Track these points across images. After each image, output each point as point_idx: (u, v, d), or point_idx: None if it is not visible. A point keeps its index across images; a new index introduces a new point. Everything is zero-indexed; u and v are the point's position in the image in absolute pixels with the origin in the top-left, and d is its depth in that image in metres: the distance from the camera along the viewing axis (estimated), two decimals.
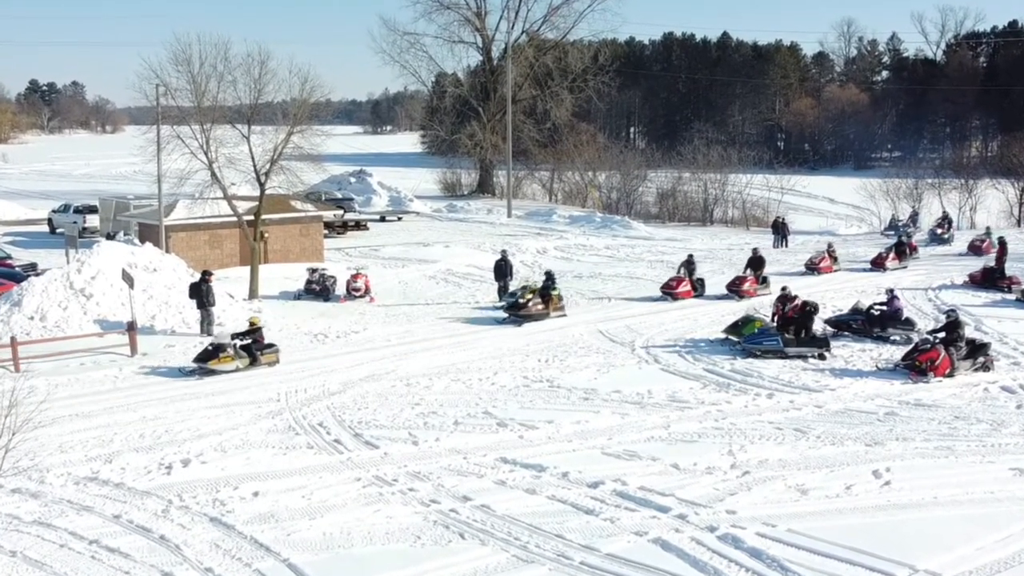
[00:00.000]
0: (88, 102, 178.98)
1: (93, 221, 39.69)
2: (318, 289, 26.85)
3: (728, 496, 12.17)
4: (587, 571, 10.25)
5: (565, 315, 23.83)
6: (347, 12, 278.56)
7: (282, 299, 26.77)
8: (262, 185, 26.75)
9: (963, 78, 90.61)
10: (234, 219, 27.68)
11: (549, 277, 24.64)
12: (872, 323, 21.33)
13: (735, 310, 23.82)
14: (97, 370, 19.07)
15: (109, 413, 16.14)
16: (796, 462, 13.41)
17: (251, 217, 27.18)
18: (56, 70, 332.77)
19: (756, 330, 20.22)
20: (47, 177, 74.19)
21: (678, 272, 26.98)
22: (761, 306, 24.05)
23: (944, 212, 41.66)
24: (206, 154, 26.35)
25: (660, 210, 53.07)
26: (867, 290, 26.47)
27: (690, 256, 27.92)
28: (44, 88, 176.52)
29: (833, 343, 20.19)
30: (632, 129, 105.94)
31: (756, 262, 27.63)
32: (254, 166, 26.68)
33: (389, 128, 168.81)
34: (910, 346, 19.03)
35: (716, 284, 27.23)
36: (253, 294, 26.16)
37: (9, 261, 30.58)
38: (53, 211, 42.99)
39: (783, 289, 22.33)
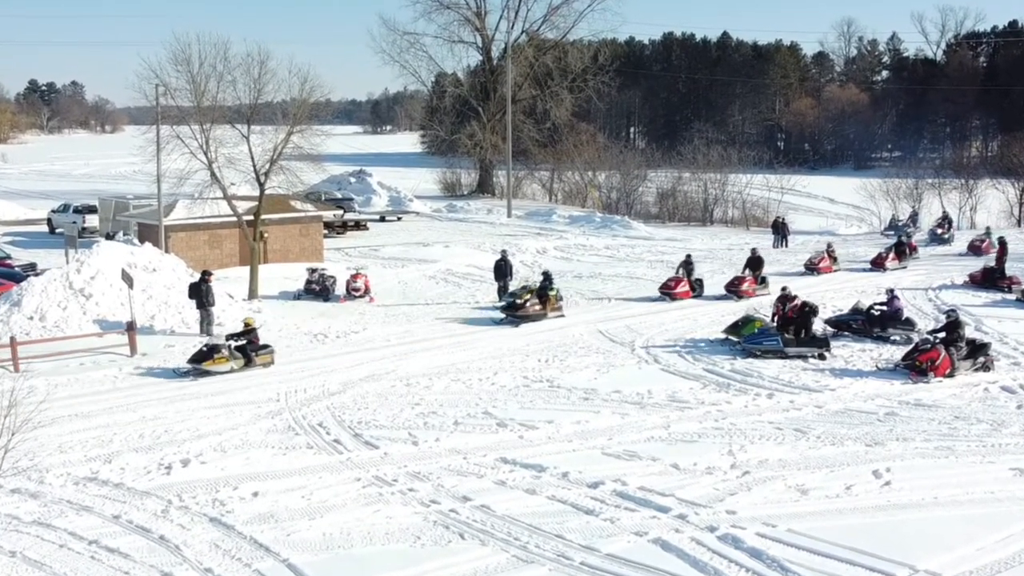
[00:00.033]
0: (87, 102, 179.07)
1: (92, 221, 39.68)
2: (318, 289, 26.84)
3: (728, 496, 12.16)
4: (587, 571, 10.24)
5: (563, 315, 23.81)
6: (347, 12, 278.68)
7: (282, 299, 26.77)
8: (262, 185, 26.73)
9: (963, 78, 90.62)
10: (234, 219, 27.66)
11: (547, 277, 24.63)
12: (872, 323, 21.33)
13: (735, 310, 23.81)
14: (97, 370, 19.06)
15: (109, 413, 16.13)
16: (796, 462, 13.40)
17: (251, 217, 27.17)
18: (55, 70, 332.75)
19: (756, 330, 20.21)
20: (46, 177, 74.18)
21: (676, 272, 26.96)
22: (761, 306, 24.03)
23: (944, 212, 41.65)
24: (206, 154, 26.33)
25: (660, 210, 53.06)
26: (867, 290, 26.46)
27: (688, 256, 27.88)
28: (43, 88, 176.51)
29: (833, 343, 20.19)
30: (632, 129, 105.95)
31: (755, 262, 27.60)
32: (254, 166, 26.66)
33: (389, 128, 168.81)
34: (910, 346, 19.02)
35: (716, 284, 27.22)
36: (253, 294, 26.15)
37: (8, 261, 30.58)
38: (52, 211, 42.98)
39: (783, 289, 22.32)
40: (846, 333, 21.41)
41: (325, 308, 25.64)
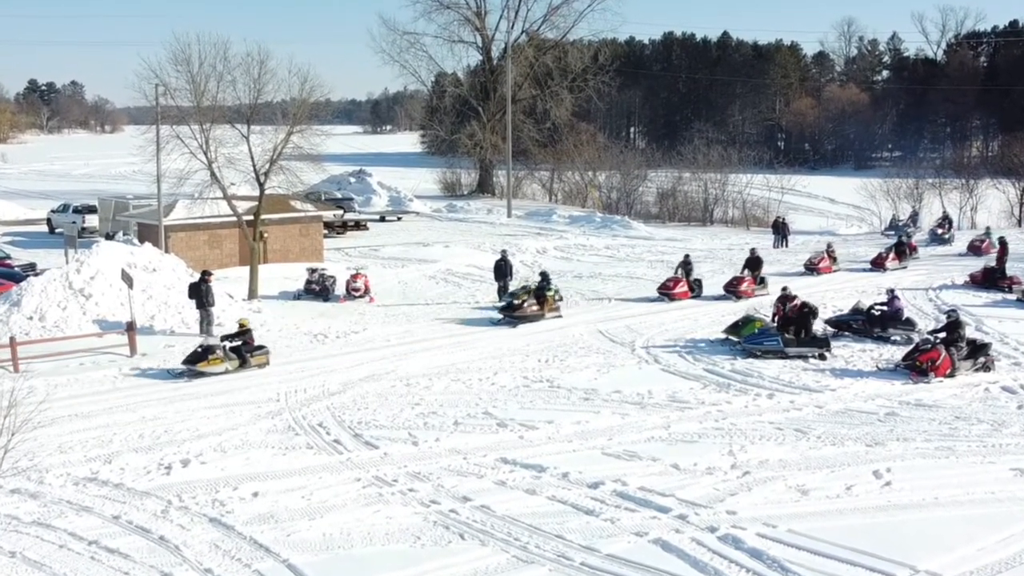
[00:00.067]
0: (87, 102, 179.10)
1: (92, 221, 39.67)
2: (318, 289, 26.83)
3: (728, 496, 12.15)
4: (587, 572, 10.23)
5: (560, 316, 23.78)
6: (346, 11, 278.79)
7: (282, 299, 26.76)
8: (261, 185, 26.72)
9: (964, 78, 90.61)
10: (233, 219, 27.65)
11: (544, 278, 24.60)
12: (873, 323, 21.31)
13: (735, 310, 23.80)
14: (96, 370, 19.05)
15: (108, 413, 16.12)
16: (797, 462, 13.39)
17: (251, 217, 27.16)
18: (55, 70, 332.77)
19: (756, 330, 20.19)
20: (46, 177, 74.19)
21: (675, 273, 26.91)
22: (761, 306, 24.02)
23: (944, 212, 41.64)
24: (205, 154, 26.32)
25: (660, 210, 53.06)
26: (867, 290, 26.45)
27: (687, 256, 27.77)
28: (43, 88, 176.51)
29: (833, 343, 20.17)
30: (632, 129, 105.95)
31: (754, 263, 27.51)
32: (253, 166, 26.65)
33: (389, 128, 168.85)
34: (911, 346, 19.01)
35: (716, 284, 27.18)
36: (253, 294, 26.13)
37: (8, 261, 30.57)
38: (52, 211, 42.98)
39: (784, 289, 22.30)
40: (846, 333, 21.39)
41: (325, 308, 25.63)
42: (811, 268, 29.97)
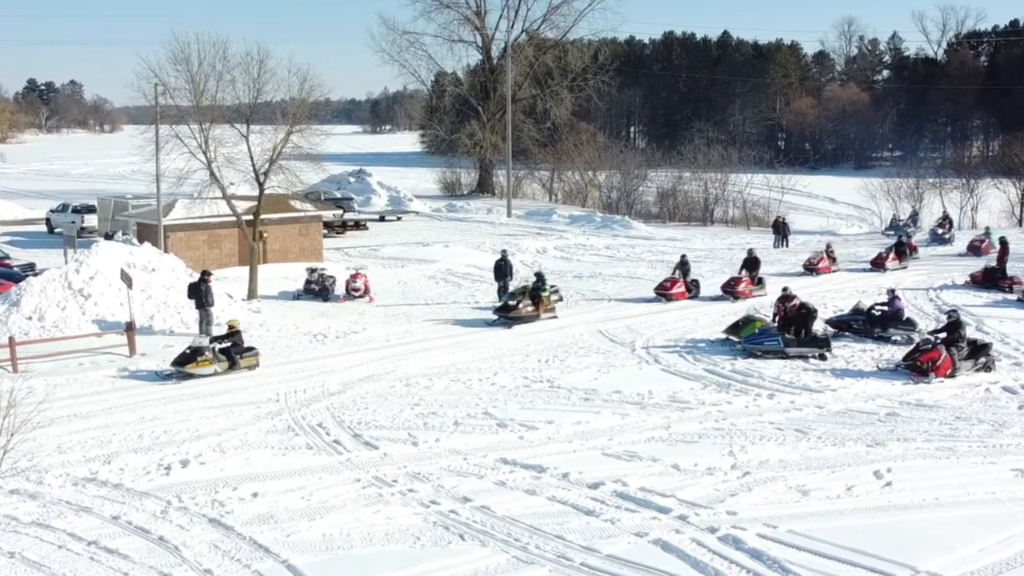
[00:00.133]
0: (86, 101, 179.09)
1: (91, 221, 39.63)
2: (317, 289, 26.81)
3: (729, 497, 12.13)
4: (587, 572, 10.21)
5: (555, 316, 23.71)
6: (346, 11, 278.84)
7: (281, 299, 26.73)
8: (261, 185, 26.69)
9: (964, 77, 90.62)
10: (233, 219, 27.62)
11: (539, 278, 24.52)
12: (873, 323, 21.29)
13: (735, 310, 23.78)
14: (96, 370, 19.02)
15: (108, 414, 16.10)
16: (797, 463, 13.37)
17: (250, 217, 27.13)
18: (54, 69, 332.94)
19: (756, 330, 20.17)
20: (45, 177, 74.18)
21: (673, 273, 26.83)
22: (761, 306, 24.00)
23: (944, 212, 41.62)
24: (205, 154, 26.29)
25: (660, 210, 53.05)
26: (868, 290, 26.43)
27: (684, 257, 27.59)
28: (42, 87, 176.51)
29: (834, 343, 20.15)
30: (632, 128, 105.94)
31: (751, 263, 27.36)
32: (253, 166, 26.61)
33: (388, 127, 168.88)
34: (911, 346, 18.98)
35: (716, 284, 27.13)
36: (252, 294, 26.11)
37: (7, 261, 30.53)
38: (51, 211, 42.94)
39: (784, 289, 22.26)
40: (847, 333, 21.37)
41: (325, 308, 25.61)
42: (810, 268, 29.94)
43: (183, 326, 22.36)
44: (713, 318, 23.45)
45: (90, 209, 40.85)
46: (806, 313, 20.21)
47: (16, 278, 25.13)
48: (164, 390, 17.63)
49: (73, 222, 35.83)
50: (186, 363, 18.30)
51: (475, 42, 62.93)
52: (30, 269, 28.33)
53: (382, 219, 47.43)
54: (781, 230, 38.47)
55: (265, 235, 30.31)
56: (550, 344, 21.01)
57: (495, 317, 23.15)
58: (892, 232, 39.42)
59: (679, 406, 16.31)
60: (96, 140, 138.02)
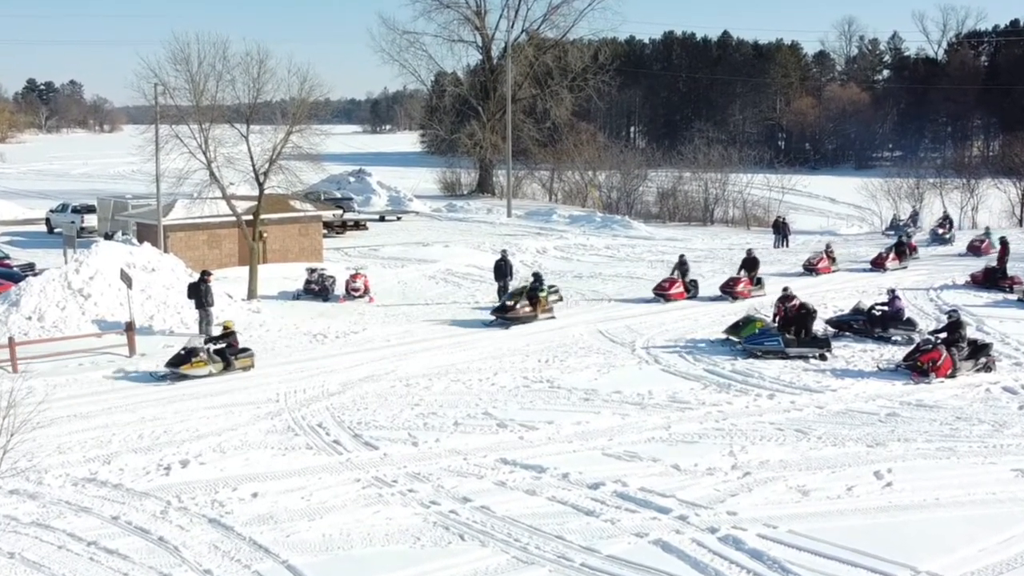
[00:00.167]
0: (86, 101, 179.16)
1: (91, 221, 39.63)
2: (317, 289, 26.80)
3: (729, 497, 12.12)
4: (588, 572, 10.20)
5: (553, 317, 23.67)
6: (346, 10, 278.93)
7: (281, 299, 26.72)
8: (261, 185, 26.68)
9: (964, 77, 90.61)
10: (233, 219, 27.60)
11: (537, 279, 24.46)
12: (873, 323, 21.28)
13: (735, 311, 23.77)
14: (95, 370, 19.00)
15: (107, 414, 16.09)
16: (797, 463, 13.36)
17: (250, 217, 27.11)
18: (54, 69, 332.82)
19: (757, 330, 20.15)
20: (45, 176, 74.18)
21: (671, 274, 26.79)
22: (761, 306, 23.99)
23: (945, 212, 41.60)
24: (205, 154, 26.27)
25: (660, 210, 53.05)
26: (868, 290, 26.42)
27: (682, 257, 27.51)
28: (42, 87, 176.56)
29: (834, 343, 20.14)
30: (632, 128, 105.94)
31: (750, 263, 27.27)
32: (253, 166, 26.60)
33: (388, 127, 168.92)
34: (912, 346, 18.97)
35: (716, 285, 27.09)
36: (252, 294, 26.10)
37: (7, 261, 30.52)
38: (51, 211, 42.93)
39: (784, 290, 22.25)
40: (847, 333, 21.36)
41: (324, 308, 25.60)
42: (810, 268, 29.92)
43: (183, 326, 22.35)
44: (713, 318, 23.44)
45: (90, 209, 40.84)
46: (806, 313, 20.20)
47: (16, 278, 25.12)
48: (163, 390, 17.62)
49: (73, 222, 35.81)
50: (180, 364, 18.21)
51: (475, 42, 62.98)
52: (30, 269, 28.32)
53: (382, 219, 47.42)
54: (781, 230, 38.46)
55: (265, 235, 30.29)
56: (550, 344, 21.00)
57: (493, 318, 23.11)
58: (892, 232, 39.41)
59: (679, 406, 16.30)
60: (96, 140, 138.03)
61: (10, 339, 19.29)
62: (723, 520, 11.37)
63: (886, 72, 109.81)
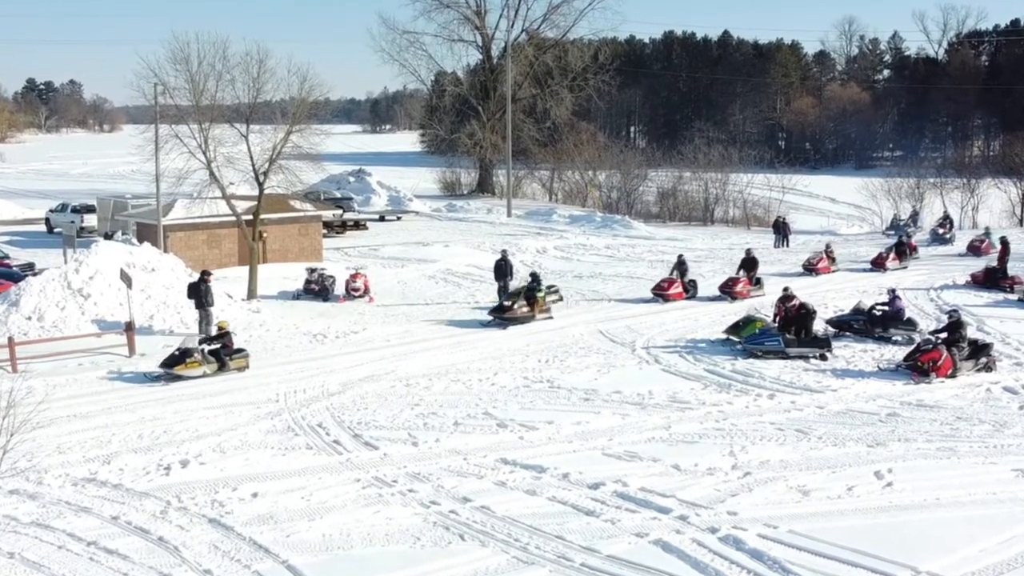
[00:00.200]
0: (86, 101, 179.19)
1: (91, 221, 39.62)
2: (317, 289, 26.78)
3: (729, 497, 12.11)
4: (588, 573, 10.19)
5: (551, 317, 23.64)
6: (346, 10, 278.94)
7: (281, 299, 26.71)
8: (261, 184, 26.66)
9: (965, 77, 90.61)
10: (233, 219, 27.59)
11: (534, 279, 24.43)
12: (874, 323, 21.26)
13: (735, 310, 23.76)
14: (95, 370, 18.99)
15: (107, 414, 16.08)
16: (798, 463, 13.35)
17: (250, 217, 27.10)
18: (53, 68, 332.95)
19: (757, 330, 20.15)
20: (44, 176, 74.19)
21: (670, 274, 26.75)
22: (762, 306, 23.98)
23: (945, 212, 41.59)
24: (204, 153, 26.26)
25: (661, 210, 53.04)
26: (868, 290, 26.41)
27: (681, 257, 27.44)
28: (41, 87, 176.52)
29: (835, 343, 20.13)
30: (632, 128, 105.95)
31: (749, 263, 27.21)
32: (253, 165, 26.58)
33: (388, 127, 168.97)
34: (912, 346, 18.96)
35: (716, 285, 27.07)
36: (252, 294, 26.09)
37: (7, 261, 30.51)
38: (51, 210, 42.93)
39: (785, 290, 22.24)
40: (848, 333, 21.34)
41: (324, 308, 25.59)
42: (809, 269, 29.91)
43: (183, 326, 22.34)
44: (713, 318, 23.43)
45: (89, 209, 40.83)
46: (805, 314, 20.18)
47: (15, 278, 25.11)
48: (163, 390, 17.61)
49: (72, 222, 35.81)
50: (175, 365, 18.13)
51: (475, 42, 62.96)
52: (29, 269, 28.31)
53: (382, 219, 47.40)
54: (781, 230, 38.44)
55: (265, 235, 30.29)
56: (550, 344, 20.99)
57: (490, 318, 23.08)
58: (892, 232, 39.40)
59: (679, 406, 16.28)
60: (95, 140, 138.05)
61: (10, 339, 19.28)
62: (723, 520, 11.36)
63: (886, 72, 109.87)
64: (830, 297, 25.70)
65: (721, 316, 23.36)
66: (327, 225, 38.76)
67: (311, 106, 28.74)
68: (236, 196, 27.70)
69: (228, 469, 13.34)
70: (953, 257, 33.79)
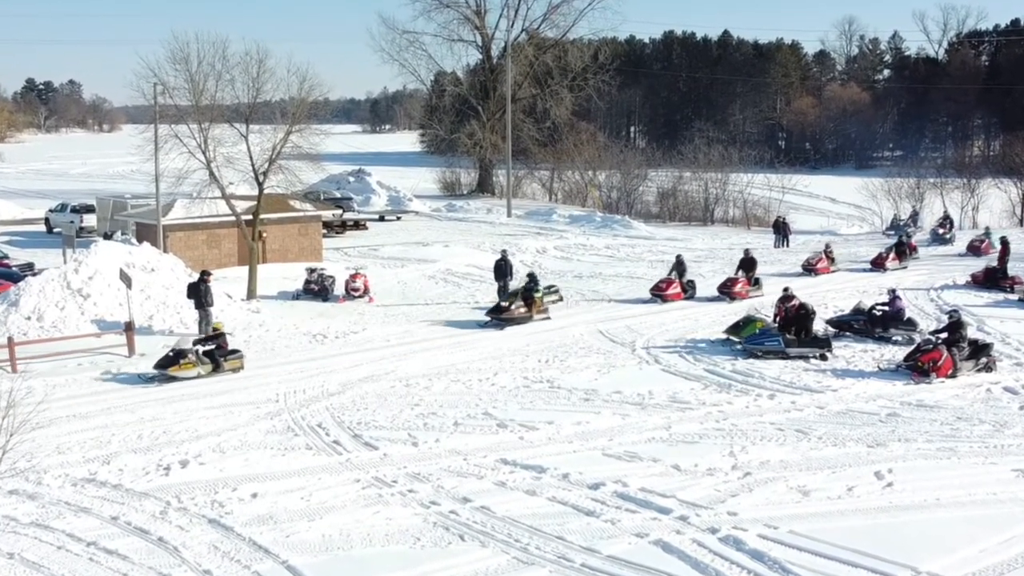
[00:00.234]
0: (85, 101, 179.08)
1: (90, 220, 39.60)
2: (317, 289, 26.77)
3: (729, 497, 12.10)
4: (588, 573, 10.19)
5: (548, 318, 23.60)
6: (346, 10, 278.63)
7: (281, 299, 26.70)
8: (260, 184, 26.65)
9: (965, 77, 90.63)
10: (232, 219, 27.57)
11: (532, 279, 24.39)
12: (874, 323, 21.25)
13: (735, 311, 23.75)
14: (95, 370, 18.98)
15: (107, 414, 16.06)
16: (798, 463, 13.34)
17: (249, 217, 27.09)
18: (53, 68, 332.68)
19: (757, 331, 20.13)
20: (44, 176, 74.16)
21: (669, 274, 26.72)
22: (762, 306, 23.97)
23: (945, 212, 41.59)
24: (204, 153, 26.25)
25: (661, 210, 53.03)
26: (868, 290, 26.40)
27: (679, 257, 27.36)
28: (41, 87, 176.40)
29: (835, 343, 20.12)
30: (632, 128, 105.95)
31: (748, 263, 27.16)
32: (252, 165, 26.57)
33: (388, 127, 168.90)
34: (912, 347, 18.96)
35: (714, 285, 27.04)
36: (251, 294, 26.08)
37: (6, 261, 30.50)
38: (50, 210, 42.91)
39: (785, 290, 22.24)
40: (848, 333, 21.33)
41: (324, 308, 25.58)
42: (809, 269, 29.89)
43: (182, 326, 22.32)
44: (713, 318, 23.42)
45: (89, 209, 40.80)
46: (804, 314, 20.16)
47: (15, 278, 25.09)
48: (163, 390, 17.59)
49: (72, 222, 35.82)
50: (169, 366, 18.07)
51: (475, 41, 62.94)
52: (29, 269, 28.30)
53: (382, 219, 47.39)
54: (782, 230, 38.44)
55: (264, 235, 30.27)
56: (550, 344, 20.98)
57: (487, 319, 23.04)
58: (892, 232, 39.39)
59: (679, 406, 16.27)
60: (95, 140, 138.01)
61: (9, 339, 19.27)
62: (724, 520, 11.35)
63: (887, 72, 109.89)
64: (830, 297, 25.70)
65: (721, 316, 23.35)
66: (327, 225, 38.75)
67: (311, 106, 28.73)
68: (236, 196, 27.69)
69: (228, 469, 13.32)
70: (953, 257, 33.78)
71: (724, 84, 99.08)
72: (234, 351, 19.06)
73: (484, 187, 61.58)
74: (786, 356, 19.39)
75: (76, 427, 15.27)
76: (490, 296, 26.21)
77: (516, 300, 23.17)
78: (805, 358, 19.37)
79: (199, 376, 18.16)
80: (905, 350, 19.14)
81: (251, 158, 26.56)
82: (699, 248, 37.09)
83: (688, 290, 26.18)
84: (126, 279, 21.21)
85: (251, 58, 27.83)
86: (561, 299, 25.58)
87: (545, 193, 61.20)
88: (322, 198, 42.47)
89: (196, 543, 10.94)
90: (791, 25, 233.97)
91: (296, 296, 26.96)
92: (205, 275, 22.32)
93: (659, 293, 25.68)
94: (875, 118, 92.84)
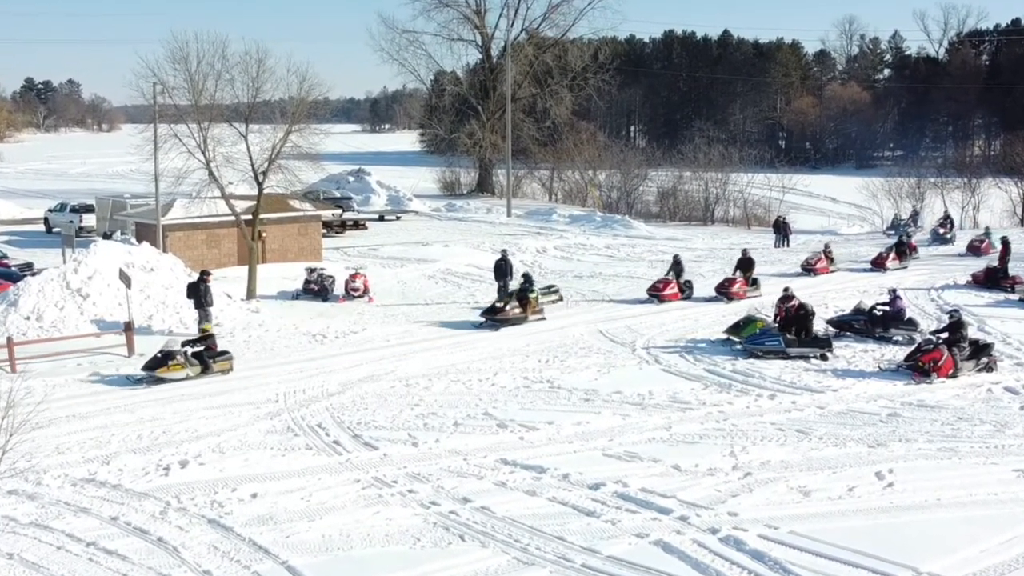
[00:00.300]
0: (84, 100, 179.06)
1: (90, 220, 39.58)
2: (316, 289, 26.76)
3: (730, 498, 12.08)
4: (588, 573, 10.17)
5: (543, 318, 23.56)
6: (345, 9, 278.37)
7: (280, 299, 26.69)
8: (260, 184, 26.63)
9: (966, 76, 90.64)
10: (232, 218, 27.55)
11: (527, 280, 24.35)
12: (875, 323, 21.24)
13: (735, 311, 23.74)
14: (94, 371, 18.95)
15: (106, 414, 16.04)
16: (798, 463, 13.32)
17: (249, 216, 27.07)
18: (52, 68, 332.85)
19: (757, 331, 20.12)
20: (43, 176, 74.14)
21: (666, 274, 26.68)
22: (762, 307, 23.95)
23: (945, 212, 41.58)
24: (203, 153, 26.23)
25: (661, 209, 53.04)
26: (869, 290, 26.39)
27: (677, 257, 27.30)
28: (40, 86, 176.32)
29: (835, 343, 20.11)
30: (632, 128, 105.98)
31: (746, 263, 27.13)
32: (252, 165, 26.55)
33: (388, 127, 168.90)
34: (913, 347, 18.94)
35: (713, 285, 27.02)
36: (251, 294, 26.06)
37: (5, 260, 30.48)
38: (49, 210, 42.88)
39: (785, 290, 22.22)
40: (848, 333, 21.32)
41: (324, 308, 25.56)
42: (808, 269, 29.88)
43: (182, 326, 22.30)
44: (713, 318, 23.40)
45: (88, 208, 40.78)
46: (804, 314, 20.15)
47: (14, 278, 25.07)
48: (162, 391, 17.56)
49: (71, 221, 35.83)
50: (157, 367, 17.97)
51: (475, 41, 62.93)
52: (28, 269, 28.27)
53: (381, 219, 47.37)
54: (782, 230, 38.43)
55: (264, 235, 30.25)
56: (550, 344, 20.96)
57: (482, 320, 22.99)
58: (893, 232, 39.38)
59: (680, 406, 16.26)
60: (94, 139, 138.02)
61: (8, 339, 19.25)
62: (724, 521, 11.33)
63: (887, 71, 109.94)
64: (830, 297, 25.68)
65: (721, 316, 23.33)
66: (326, 225, 38.73)
67: (310, 105, 28.70)
68: (235, 196, 27.67)
69: (227, 470, 13.30)
70: (953, 257, 33.77)
71: (724, 84, 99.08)
72: (223, 352, 18.94)
73: (484, 187, 61.57)
74: (786, 356, 19.37)
75: (75, 427, 15.25)
76: (490, 296, 26.17)
77: (511, 301, 23.13)
78: (805, 358, 19.36)
79: (187, 378, 18.05)
80: (906, 350, 19.13)
81: (251, 158, 26.54)
82: (699, 248, 37.08)
83: (685, 290, 26.15)
84: (125, 279, 21.19)
85: (251, 58, 27.86)
86: (561, 299, 25.56)
87: (545, 193, 61.19)
88: (322, 198, 42.43)
89: (196, 543, 10.92)
90: (791, 25, 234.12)
91: (296, 296, 26.95)
92: (205, 275, 22.30)
93: (656, 293, 25.64)
94: (875, 118, 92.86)
